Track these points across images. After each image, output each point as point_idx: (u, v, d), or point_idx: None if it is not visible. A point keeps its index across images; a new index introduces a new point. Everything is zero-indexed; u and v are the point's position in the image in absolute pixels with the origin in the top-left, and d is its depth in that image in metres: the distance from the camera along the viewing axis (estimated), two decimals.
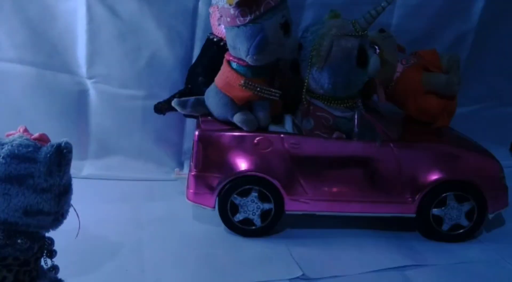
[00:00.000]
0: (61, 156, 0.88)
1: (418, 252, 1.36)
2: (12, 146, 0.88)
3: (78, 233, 1.06)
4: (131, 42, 1.68)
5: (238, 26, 1.32)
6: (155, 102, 1.62)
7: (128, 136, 1.79)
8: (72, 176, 1.68)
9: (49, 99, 1.70)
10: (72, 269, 1.18)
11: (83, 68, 1.69)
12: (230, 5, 1.30)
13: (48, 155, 0.87)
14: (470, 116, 2.08)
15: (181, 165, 1.84)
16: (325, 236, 1.42)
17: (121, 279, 1.17)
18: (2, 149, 0.87)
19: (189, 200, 1.40)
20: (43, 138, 0.94)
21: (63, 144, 0.88)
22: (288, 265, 1.27)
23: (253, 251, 1.32)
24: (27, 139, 0.91)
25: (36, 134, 0.94)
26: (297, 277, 1.22)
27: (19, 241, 0.94)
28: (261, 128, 1.41)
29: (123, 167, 1.77)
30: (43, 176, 0.88)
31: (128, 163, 1.79)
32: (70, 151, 0.89)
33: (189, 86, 1.62)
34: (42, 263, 0.98)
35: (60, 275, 1.13)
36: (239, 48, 1.34)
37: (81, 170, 1.74)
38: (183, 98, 1.50)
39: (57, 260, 1.20)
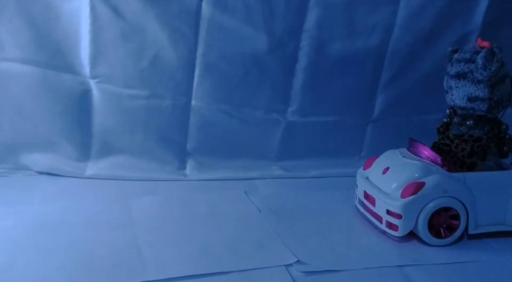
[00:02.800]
0: (493, 54, 1.33)
1: (418, 252, 1.35)
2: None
3: None
4: (135, 42, 1.69)
5: None
6: (158, 102, 1.60)
7: (131, 136, 1.79)
8: (75, 176, 1.73)
9: (52, 99, 1.71)
10: (75, 267, 1.19)
11: (86, 68, 1.70)
12: None
13: (483, 55, 1.33)
14: None
15: (184, 165, 1.85)
16: (325, 233, 1.43)
17: (121, 279, 1.17)
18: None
19: None
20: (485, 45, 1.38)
21: (494, 47, 1.34)
22: (283, 252, 1.29)
23: (253, 251, 1.32)
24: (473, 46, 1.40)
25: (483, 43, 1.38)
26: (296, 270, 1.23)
27: (467, 123, 1.40)
28: None
29: (127, 167, 1.77)
30: (479, 70, 1.34)
31: (131, 163, 1.79)
32: (501, 51, 1.33)
33: None
34: None
35: (65, 273, 1.14)
36: None
37: (84, 170, 1.75)
38: None
39: (66, 255, 1.21)
